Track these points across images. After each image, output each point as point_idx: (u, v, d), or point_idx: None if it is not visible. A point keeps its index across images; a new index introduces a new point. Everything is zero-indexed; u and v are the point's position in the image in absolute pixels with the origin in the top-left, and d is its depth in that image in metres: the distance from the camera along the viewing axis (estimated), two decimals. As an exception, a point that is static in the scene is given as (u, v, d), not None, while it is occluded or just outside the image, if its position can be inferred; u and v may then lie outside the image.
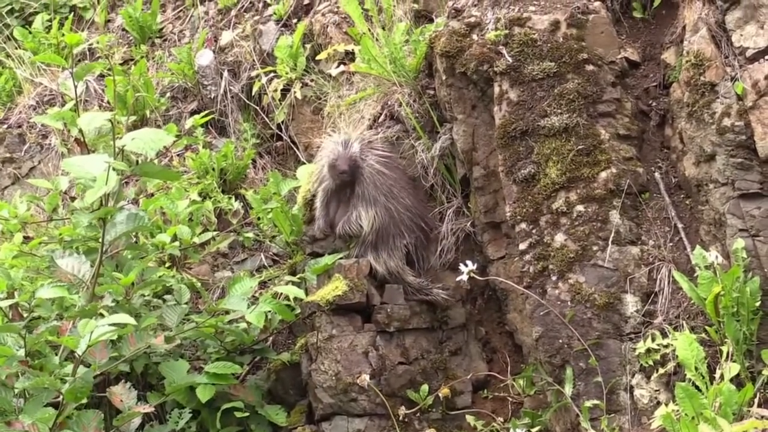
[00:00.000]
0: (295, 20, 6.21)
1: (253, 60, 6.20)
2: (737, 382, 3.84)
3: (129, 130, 4.96)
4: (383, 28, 5.24)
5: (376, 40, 5.18)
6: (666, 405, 3.92)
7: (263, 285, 5.45)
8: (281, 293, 4.95)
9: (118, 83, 6.08)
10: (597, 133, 4.52)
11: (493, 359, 4.92)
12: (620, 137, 4.58)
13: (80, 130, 4.47)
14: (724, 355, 3.94)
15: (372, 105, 5.28)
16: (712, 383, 3.83)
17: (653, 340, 4.22)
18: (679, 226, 4.45)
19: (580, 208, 4.47)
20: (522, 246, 4.54)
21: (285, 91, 6.00)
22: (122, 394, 4.21)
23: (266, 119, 6.16)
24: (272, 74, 6.06)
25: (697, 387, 3.78)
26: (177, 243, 5.02)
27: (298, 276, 5.12)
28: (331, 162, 4.78)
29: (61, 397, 3.99)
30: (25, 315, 4.37)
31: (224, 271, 5.69)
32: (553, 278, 4.44)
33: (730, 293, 3.95)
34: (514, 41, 4.63)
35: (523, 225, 4.54)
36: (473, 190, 4.90)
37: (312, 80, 5.90)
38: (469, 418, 4.60)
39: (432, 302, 4.82)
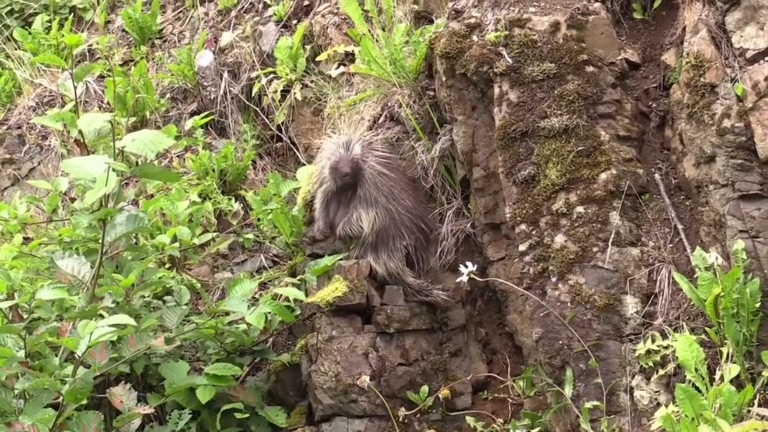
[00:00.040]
0: (295, 21, 6.21)
1: (253, 61, 6.20)
2: (737, 383, 3.84)
3: (129, 131, 4.97)
4: (383, 29, 5.24)
5: (376, 41, 5.18)
6: (666, 406, 3.92)
7: (263, 286, 5.44)
8: (281, 294, 4.95)
9: (117, 84, 6.08)
10: (597, 135, 4.52)
11: (493, 360, 4.92)
12: (620, 138, 4.58)
13: (80, 131, 4.47)
14: (724, 356, 3.94)
15: (372, 106, 5.28)
16: (712, 384, 3.83)
17: (653, 341, 4.22)
18: (679, 227, 4.45)
19: (580, 209, 4.47)
20: (522, 247, 4.54)
21: (285, 92, 6.00)
22: (122, 395, 4.21)
23: (266, 120, 6.16)
24: (272, 75, 6.06)
25: (697, 388, 3.78)
26: (177, 244, 5.02)
27: (298, 277, 5.12)
28: (333, 164, 4.77)
29: (61, 398, 3.99)
30: (25, 316, 4.38)
31: (224, 272, 5.69)
32: (553, 279, 4.44)
33: (730, 294, 3.95)
34: (514, 42, 4.63)
35: (523, 226, 4.54)
36: (473, 191, 4.90)
37: (312, 81, 5.90)
38: (469, 420, 4.60)
39: (432, 303, 4.82)
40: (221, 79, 6.28)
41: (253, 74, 6.17)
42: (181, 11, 7.06)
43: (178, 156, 6.16)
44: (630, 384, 4.27)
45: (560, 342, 4.37)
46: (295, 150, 6.06)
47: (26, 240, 5.15)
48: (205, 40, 6.45)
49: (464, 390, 4.74)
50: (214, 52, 6.36)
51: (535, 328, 4.44)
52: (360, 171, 4.74)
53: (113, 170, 3.99)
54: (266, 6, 6.45)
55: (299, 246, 5.36)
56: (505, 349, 4.90)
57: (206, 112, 6.19)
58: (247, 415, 4.69)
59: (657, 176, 4.60)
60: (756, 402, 3.83)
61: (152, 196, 5.48)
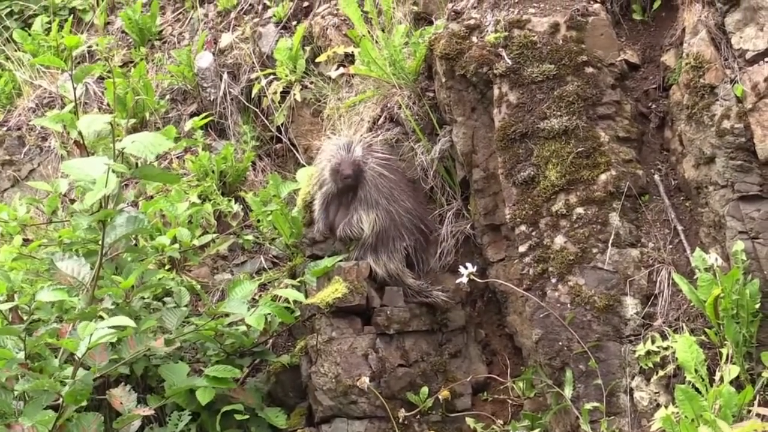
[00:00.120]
0: (294, 22, 6.21)
1: (253, 62, 6.20)
2: (737, 384, 3.84)
3: (129, 132, 4.98)
4: (383, 31, 5.24)
5: (376, 42, 5.18)
6: (666, 407, 3.92)
7: (263, 287, 5.44)
8: (281, 296, 4.95)
9: (117, 85, 6.08)
10: (596, 136, 4.53)
11: (493, 361, 4.92)
12: (620, 139, 4.59)
13: (80, 133, 4.47)
14: (724, 357, 3.94)
15: (371, 107, 5.28)
16: (711, 385, 3.83)
17: (653, 342, 4.22)
18: (679, 228, 4.45)
19: (579, 210, 4.47)
20: (522, 248, 4.54)
21: (284, 93, 6.00)
22: (122, 397, 4.21)
23: (266, 121, 6.16)
24: (272, 76, 6.06)
25: (696, 389, 3.78)
26: (177, 245, 5.02)
27: (297, 279, 5.12)
28: (335, 166, 4.77)
29: (61, 399, 3.99)
30: (25, 318, 4.38)
31: (224, 273, 5.69)
32: (553, 280, 4.44)
33: (729, 295, 3.95)
34: (513, 43, 4.63)
35: (523, 227, 4.54)
36: (473, 192, 4.90)
37: (311, 82, 5.90)
38: (469, 421, 4.60)
39: (432, 304, 4.82)
40: (221, 80, 6.28)
41: (253, 75, 6.17)
42: (180, 12, 7.06)
43: (177, 157, 6.15)
44: (630, 385, 4.27)
45: (560, 343, 4.37)
46: (294, 151, 6.06)
47: (26, 241, 5.15)
48: (204, 42, 6.45)
49: (464, 391, 4.74)
50: (213, 54, 6.36)
51: (534, 330, 4.44)
52: (361, 173, 4.75)
53: (113, 172, 3.99)
54: (266, 7, 6.45)
55: (299, 247, 5.36)
56: (504, 351, 4.90)
57: (206, 114, 6.19)
58: (247, 417, 4.69)
59: (657, 177, 4.60)
60: (756, 403, 3.83)
61: (152, 197, 5.48)
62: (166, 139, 4.07)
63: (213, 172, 5.88)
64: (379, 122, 5.20)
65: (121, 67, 6.77)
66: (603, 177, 4.48)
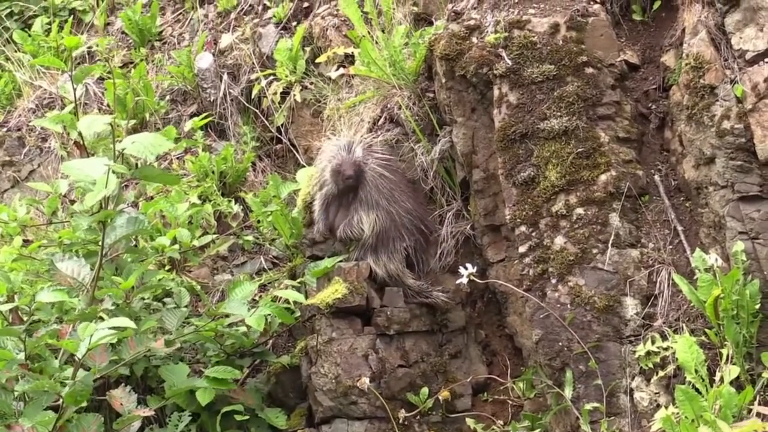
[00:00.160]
0: (294, 23, 6.21)
1: (253, 63, 6.20)
2: (737, 384, 3.84)
3: (129, 133, 4.97)
4: (383, 31, 5.24)
5: (376, 42, 5.18)
6: (666, 408, 3.92)
7: (263, 288, 5.44)
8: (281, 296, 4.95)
9: (117, 86, 6.08)
10: (596, 136, 4.53)
11: (493, 362, 4.92)
12: (620, 140, 4.59)
13: (80, 134, 4.47)
14: (724, 357, 3.94)
15: (371, 108, 5.28)
16: (711, 386, 3.83)
17: (653, 342, 4.22)
18: (679, 228, 4.45)
19: (579, 210, 4.47)
20: (522, 249, 4.54)
21: (284, 94, 6.00)
22: (122, 398, 4.21)
23: (266, 122, 6.16)
24: (272, 77, 6.06)
25: (697, 390, 3.78)
26: (177, 246, 5.02)
27: (297, 279, 5.11)
28: (335, 167, 4.77)
29: (61, 400, 3.99)
30: (25, 318, 4.38)
31: (224, 274, 5.69)
32: (553, 281, 4.44)
33: (729, 296, 3.95)
34: (513, 44, 4.63)
35: (523, 228, 4.54)
36: (473, 193, 4.90)
37: (311, 83, 5.90)
38: (469, 421, 4.60)
39: (432, 305, 4.82)
40: (221, 81, 6.28)
41: (253, 76, 6.17)
42: (180, 13, 7.06)
43: (177, 158, 6.15)
44: (630, 385, 4.27)
45: (560, 343, 4.37)
46: (294, 152, 6.06)
47: (26, 242, 5.15)
48: (204, 42, 6.45)
49: (464, 392, 4.74)
50: (213, 54, 6.36)
51: (534, 330, 4.44)
52: (362, 173, 4.75)
53: (113, 172, 3.99)
54: (266, 8, 6.46)
55: (299, 248, 5.36)
56: (505, 351, 4.90)
57: (206, 114, 6.18)
58: (247, 417, 4.69)
59: (657, 178, 4.60)
60: (756, 403, 3.83)
61: (152, 198, 5.48)
62: (166, 139, 4.07)
63: (213, 172, 5.88)
64: (379, 123, 5.20)
65: (121, 67, 6.77)
66: (603, 177, 4.48)
